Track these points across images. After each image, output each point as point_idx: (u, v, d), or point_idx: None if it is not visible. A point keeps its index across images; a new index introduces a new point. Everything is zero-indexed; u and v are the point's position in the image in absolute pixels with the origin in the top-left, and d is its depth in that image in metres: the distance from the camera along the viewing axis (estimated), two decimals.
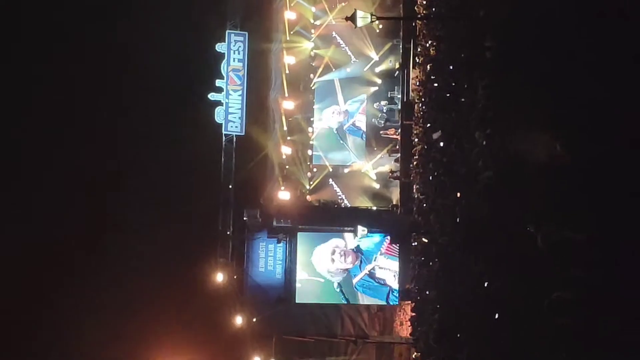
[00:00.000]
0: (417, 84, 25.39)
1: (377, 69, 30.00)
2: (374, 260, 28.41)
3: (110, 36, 27.89)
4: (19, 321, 27.48)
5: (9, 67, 28.07)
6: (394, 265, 28.14)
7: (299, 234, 28.85)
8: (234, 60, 29.28)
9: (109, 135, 28.72)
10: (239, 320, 27.87)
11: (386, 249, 28.25)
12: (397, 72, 29.45)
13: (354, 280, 28.44)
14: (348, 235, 28.47)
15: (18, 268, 27.42)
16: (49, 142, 28.80)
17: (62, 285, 27.23)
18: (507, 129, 8.19)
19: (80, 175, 28.69)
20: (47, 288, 27.44)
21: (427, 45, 21.93)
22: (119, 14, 27.71)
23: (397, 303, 28.16)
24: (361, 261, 28.49)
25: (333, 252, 28.53)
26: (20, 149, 29.05)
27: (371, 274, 28.36)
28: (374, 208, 29.36)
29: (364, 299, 28.57)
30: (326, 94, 30.38)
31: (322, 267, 28.48)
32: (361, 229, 27.96)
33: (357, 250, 28.60)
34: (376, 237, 28.43)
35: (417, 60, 25.90)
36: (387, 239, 28.30)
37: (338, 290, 28.51)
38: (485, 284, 9.75)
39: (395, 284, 28.08)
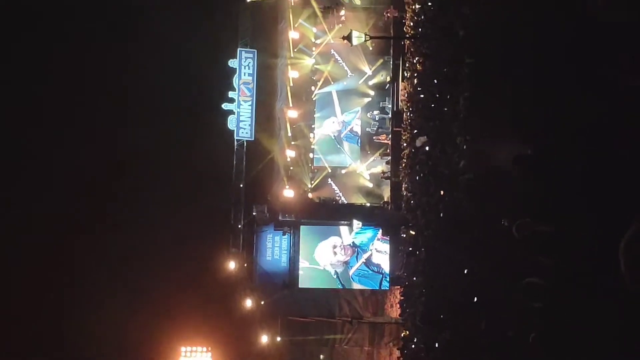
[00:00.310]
0: (406, 95, 25.40)
1: (370, 82, 29.98)
2: (371, 247, 28.50)
3: (138, 54, 27.85)
4: (39, 308, 27.46)
5: (31, 73, 28.10)
6: (387, 247, 28.23)
7: (301, 227, 28.90)
8: (244, 75, 29.25)
9: (136, 138, 28.71)
10: (248, 303, 27.86)
11: (380, 236, 28.33)
12: (388, 85, 29.48)
13: (351, 272, 28.55)
14: (345, 232, 28.57)
15: (42, 257, 27.44)
16: (79, 141, 28.79)
17: (89, 269, 27.19)
18: (484, 135, 8.19)
19: (109, 175, 28.68)
20: (73, 272, 27.36)
21: (414, 61, 21.94)
22: (145, 35, 27.65)
23: (388, 287, 28.24)
24: (357, 253, 28.62)
25: (334, 247, 28.69)
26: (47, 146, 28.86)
27: (367, 262, 28.44)
28: (368, 204, 29.32)
29: (358, 286, 28.68)
30: (326, 104, 30.37)
31: (324, 261, 28.58)
32: (356, 223, 28.10)
33: (354, 245, 28.73)
34: (369, 233, 28.52)
35: (406, 75, 25.92)
36: (379, 231, 28.38)
37: (335, 277, 28.62)
38: (465, 271, 9.76)
39: (387, 268, 28.22)
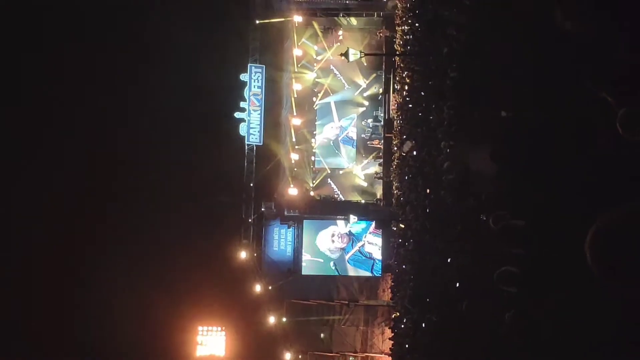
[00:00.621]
0: (396, 105, 25.42)
1: (365, 94, 29.96)
2: (364, 238, 28.63)
3: (162, 71, 27.88)
4: (67, 291, 27.40)
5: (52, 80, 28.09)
6: (379, 241, 28.38)
7: (304, 221, 28.97)
8: (254, 87, 29.24)
9: (159, 143, 28.76)
10: (257, 288, 27.89)
11: (373, 230, 28.44)
12: (380, 96, 29.50)
13: (347, 256, 28.69)
14: (342, 223, 28.72)
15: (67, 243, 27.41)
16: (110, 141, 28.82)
17: (120, 256, 27.10)
18: (465, 140, 8.19)
19: (138, 173, 28.71)
20: (106, 256, 27.25)
21: (404, 75, 21.94)
22: (169, 53, 27.74)
23: (380, 274, 28.28)
24: (352, 241, 28.73)
25: (332, 235, 28.82)
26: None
27: (361, 250, 28.61)
28: (363, 201, 29.33)
29: (353, 272, 28.75)
30: (325, 113, 30.36)
31: (324, 247, 28.79)
32: (353, 217, 28.15)
33: (350, 234, 28.79)
34: (363, 224, 28.64)
35: (396, 87, 25.95)
36: (372, 225, 28.43)
37: (333, 268, 28.74)
38: (449, 260, 9.75)
39: (379, 256, 28.42)
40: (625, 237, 1.11)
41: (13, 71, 27.37)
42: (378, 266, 28.40)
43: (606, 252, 1.12)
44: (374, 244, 28.53)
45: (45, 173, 27.63)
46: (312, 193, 29.71)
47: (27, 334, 26.15)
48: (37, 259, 27.24)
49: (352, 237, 28.82)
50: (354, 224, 28.60)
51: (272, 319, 27.70)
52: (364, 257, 28.69)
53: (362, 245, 28.70)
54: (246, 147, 29.26)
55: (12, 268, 26.81)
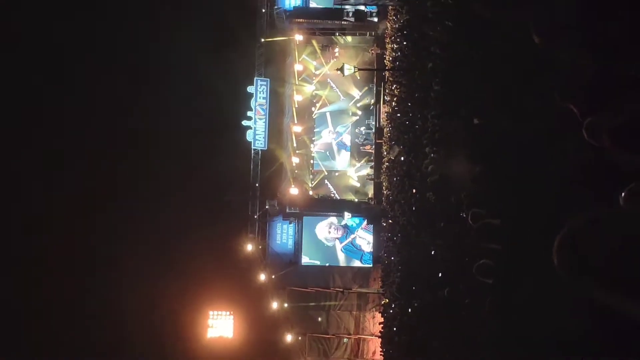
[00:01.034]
0: (386, 114, 25.41)
1: (358, 104, 30.00)
2: (356, 232, 28.71)
3: (179, 85, 28.01)
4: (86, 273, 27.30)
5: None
6: (368, 236, 28.44)
7: (304, 217, 29.01)
8: (259, 98, 29.25)
9: (176, 148, 28.86)
10: (262, 276, 27.87)
11: (364, 226, 28.52)
12: (372, 106, 29.54)
13: (341, 246, 28.83)
14: (338, 218, 28.76)
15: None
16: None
17: (137, 244, 27.07)
18: (447, 146, 8.17)
19: (154, 175, 28.72)
20: (128, 243, 27.21)
21: (393, 88, 21.95)
22: (184, 69, 27.86)
23: (370, 264, 28.36)
24: (347, 233, 28.83)
25: (329, 226, 29.01)
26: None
27: (353, 242, 28.73)
28: (356, 200, 29.36)
29: (345, 261, 28.84)
30: (323, 122, 30.42)
31: (322, 235, 28.94)
32: (347, 214, 28.15)
33: (345, 227, 28.89)
34: (357, 220, 28.69)
35: (386, 98, 25.97)
36: (365, 221, 28.51)
37: (327, 265, 28.86)
38: (432, 252, 9.73)
39: (367, 249, 28.70)
40: (592, 242, 1.08)
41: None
42: (366, 257, 28.64)
43: (573, 257, 1.09)
44: (363, 239, 28.75)
45: (71, 172, 27.63)
46: (311, 192, 29.74)
47: (40, 315, 25.93)
48: (56, 244, 26.98)
49: (347, 230, 28.97)
50: (349, 220, 28.69)
51: (275, 305, 27.69)
52: (355, 249, 28.85)
53: (354, 238, 28.87)
54: (252, 151, 29.28)
55: (28, 252, 26.61)
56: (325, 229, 29.14)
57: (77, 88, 28.06)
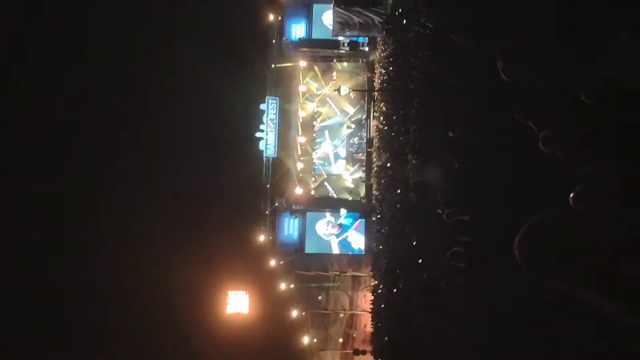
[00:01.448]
0: (375, 128, 25.38)
1: (352, 119, 29.91)
2: (349, 231, 28.67)
3: (203, 104, 27.99)
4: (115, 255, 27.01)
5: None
6: (359, 237, 28.46)
7: (307, 213, 28.90)
8: (270, 114, 29.18)
9: (200, 156, 28.83)
10: (272, 262, 27.83)
11: (356, 226, 28.39)
12: (364, 121, 29.45)
13: (337, 240, 28.75)
14: (335, 216, 28.61)
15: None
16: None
17: (165, 235, 26.99)
18: (426, 154, 8.17)
19: (180, 180, 28.78)
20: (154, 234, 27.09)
21: (381, 106, 21.92)
22: (208, 89, 27.75)
23: (361, 253, 28.34)
24: (341, 230, 28.71)
25: (327, 224, 28.81)
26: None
27: (346, 239, 28.71)
28: (351, 199, 29.30)
29: (338, 250, 28.81)
30: (323, 134, 30.35)
31: (320, 231, 28.70)
32: (343, 211, 28.08)
33: (340, 225, 28.76)
34: (351, 219, 28.60)
35: (375, 114, 25.93)
36: (356, 221, 28.50)
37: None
38: (414, 243, 9.72)
39: (356, 247, 28.61)
40: (546, 237, 1.09)
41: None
42: (357, 251, 28.49)
43: (530, 249, 1.10)
44: (354, 237, 28.65)
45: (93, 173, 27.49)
46: (313, 192, 29.68)
47: (72, 292, 25.54)
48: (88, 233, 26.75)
49: (342, 228, 28.87)
50: (345, 217, 28.64)
51: (283, 285, 27.63)
52: (347, 243, 28.78)
53: (347, 236, 28.80)
54: (264, 158, 29.25)
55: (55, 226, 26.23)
56: (324, 226, 29.01)
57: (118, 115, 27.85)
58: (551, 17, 2.21)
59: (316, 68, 29.86)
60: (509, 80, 2.56)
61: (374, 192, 25.16)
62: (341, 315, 28.25)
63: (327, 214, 28.91)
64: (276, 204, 28.57)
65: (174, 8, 28.08)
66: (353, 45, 27.79)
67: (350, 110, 29.83)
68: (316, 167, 30.13)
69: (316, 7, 29.41)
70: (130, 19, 26.62)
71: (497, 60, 2.36)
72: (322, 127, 30.26)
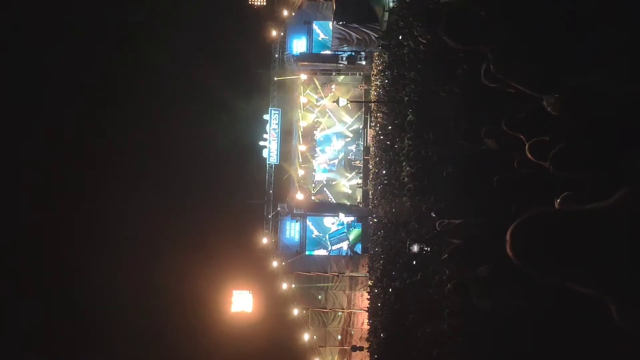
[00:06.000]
0: (372, 137, 25.43)
1: (350, 129, 29.98)
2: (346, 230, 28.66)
3: (212, 116, 28.03)
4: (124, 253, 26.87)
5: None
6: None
7: (308, 217, 28.85)
8: (273, 124, 29.26)
9: (207, 164, 28.92)
10: (274, 263, 27.77)
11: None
12: (361, 130, 29.51)
13: (335, 237, 28.79)
14: (336, 217, 28.70)
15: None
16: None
17: (178, 237, 26.88)
18: (419, 162, 8.18)
19: (189, 186, 28.82)
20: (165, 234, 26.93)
21: (377, 116, 21.95)
22: (218, 103, 27.69)
23: (360, 253, 28.28)
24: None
25: (332, 223, 28.83)
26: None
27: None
28: (348, 204, 29.30)
29: (335, 248, 28.81)
30: (322, 142, 30.38)
31: (327, 225, 28.85)
32: (342, 215, 28.04)
33: (340, 224, 28.76)
34: (350, 218, 28.58)
35: (372, 124, 25.96)
36: (355, 220, 28.48)
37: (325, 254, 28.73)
38: (408, 244, 9.71)
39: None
40: (541, 233, 1.09)
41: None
42: (344, 252, 28.63)
43: (520, 245, 1.11)
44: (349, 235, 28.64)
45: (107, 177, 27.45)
46: (313, 197, 29.68)
47: (79, 290, 25.28)
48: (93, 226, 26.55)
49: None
50: (340, 223, 28.78)
51: (284, 285, 27.56)
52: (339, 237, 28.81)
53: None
54: (267, 165, 29.28)
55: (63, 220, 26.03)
56: (329, 224, 29.06)
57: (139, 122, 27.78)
58: (547, 20, 2.19)
59: (316, 80, 29.95)
60: (493, 83, 2.52)
61: (370, 197, 25.17)
62: (339, 313, 28.16)
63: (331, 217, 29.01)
64: (278, 209, 28.55)
65: (189, 26, 28.23)
66: (351, 59, 27.90)
67: (349, 120, 29.90)
68: (316, 173, 30.15)
69: (316, 24, 29.58)
70: (144, 37, 26.70)
71: (488, 60, 2.32)
72: (321, 137, 30.31)
